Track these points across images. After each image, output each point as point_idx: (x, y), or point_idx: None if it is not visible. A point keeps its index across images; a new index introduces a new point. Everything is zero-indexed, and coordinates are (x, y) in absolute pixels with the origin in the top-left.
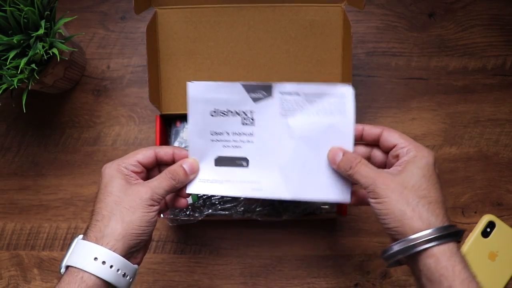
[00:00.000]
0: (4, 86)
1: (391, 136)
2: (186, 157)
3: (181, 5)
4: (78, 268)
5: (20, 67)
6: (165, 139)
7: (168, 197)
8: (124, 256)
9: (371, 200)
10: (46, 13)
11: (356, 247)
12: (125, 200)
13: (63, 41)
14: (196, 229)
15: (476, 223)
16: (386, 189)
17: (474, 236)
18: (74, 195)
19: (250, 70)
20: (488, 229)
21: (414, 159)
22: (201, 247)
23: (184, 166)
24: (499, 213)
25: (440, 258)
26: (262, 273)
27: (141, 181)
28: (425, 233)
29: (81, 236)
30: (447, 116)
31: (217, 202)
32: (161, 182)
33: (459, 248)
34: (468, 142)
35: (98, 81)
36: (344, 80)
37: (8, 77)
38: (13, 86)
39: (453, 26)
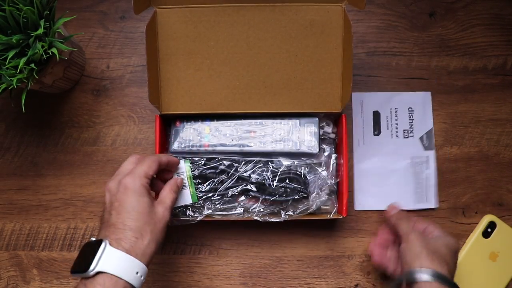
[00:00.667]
0: (3, 86)
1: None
2: (177, 162)
3: (180, 4)
4: (121, 278)
5: (19, 66)
6: (165, 139)
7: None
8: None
9: (402, 245)
10: (46, 12)
11: (356, 247)
12: (156, 223)
13: (62, 40)
14: (196, 229)
15: (477, 223)
16: (415, 239)
17: (475, 237)
18: (73, 195)
19: (250, 70)
20: (489, 230)
21: (445, 236)
22: (201, 248)
23: (179, 184)
24: (500, 213)
25: None
26: (262, 273)
27: (154, 197)
28: (426, 269)
29: (106, 242)
30: (447, 116)
31: (217, 202)
32: (172, 203)
33: None
34: (469, 142)
35: (97, 81)
36: (344, 80)
37: (7, 77)
38: (12, 86)
39: (453, 26)
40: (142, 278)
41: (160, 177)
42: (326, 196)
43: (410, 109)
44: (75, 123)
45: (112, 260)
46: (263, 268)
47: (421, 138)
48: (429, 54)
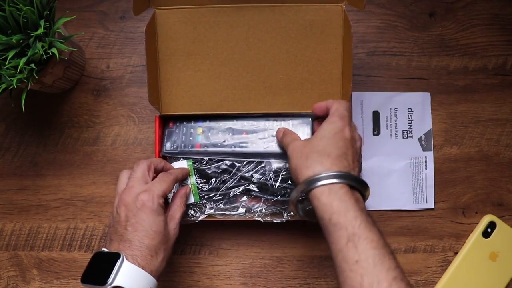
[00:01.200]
0: (3, 86)
1: (331, 104)
2: (187, 174)
3: (180, 5)
4: None
5: (19, 66)
6: (165, 140)
7: None
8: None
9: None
10: (46, 12)
11: None
12: (168, 241)
13: (62, 40)
14: (196, 229)
15: (477, 223)
16: (293, 151)
17: (475, 237)
18: (73, 195)
19: (249, 71)
20: (489, 230)
21: (324, 123)
22: (201, 247)
23: (186, 191)
24: (500, 213)
25: (320, 197)
26: (262, 273)
27: (164, 212)
28: (308, 178)
29: (123, 256)
30: (447, 116)
31: (219, 202)
32: (180, 218)
33: (349, 190)
34: (469, 142)
35: (97, 81)
36: (344, 80)
37: (7, 77)
38: (12, 86)
39: (453, 26)
40: None
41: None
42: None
43: (409, 110)
44: (75, 123)
45: (129, 275)
46: (263, 268)
47: (419, 139)
48: (429, 54)
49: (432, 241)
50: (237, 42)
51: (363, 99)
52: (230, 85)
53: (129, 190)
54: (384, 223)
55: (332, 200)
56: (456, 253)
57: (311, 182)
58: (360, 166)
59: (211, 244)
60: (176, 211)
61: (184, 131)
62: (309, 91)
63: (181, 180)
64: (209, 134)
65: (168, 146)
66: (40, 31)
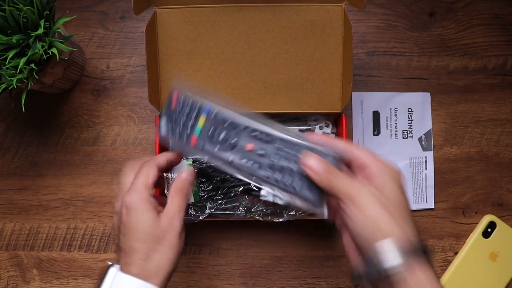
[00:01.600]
0: (3, 86)
1: (363, 154)
2: (177, 157)
3: (180, 5)
4: None
5: (19, 66)
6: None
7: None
8: None
9: (349, 209)
10: (46, 12)
11: None
12: (163, 238)
13: (62, 40)
14: (196, 229)
15: (477, 223)
16: (364, 196)
17: (475, 237)
18: (73, 195)
19: (250, 70)
20: (489, 230)
21: (387, 171)
22: (201, 248)
23: (186, 177)
24: (500, 213)
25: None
26: (262, 273)
27: (161, 208)
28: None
29: (116, 267)
30: (447, 116)
31: (219, 202)
32: (179, 206)
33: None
34: (469, 142)
35: (97, 81)
36: (344, 80)
37: (7, 77)
38: (12, 86)
39: (453, 26)
40: None
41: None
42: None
43: (409, 110)
44: (75, 123)
45: (121, 286)
46: (263, 268)
47: (419, 139)
48: (429, 54)
49: (432, 241)
50: (237, 41)
51: (363, 99)
52: (230, 84)
53: (116, 197)
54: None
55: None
56: (456, 253)
57: (410, 253)
58: None
59: (211, 244)
60: (170, 203)
61: (187, 111)
62: (309, 91)
63: (166, 164)
64: (211, 130)
65: (163, 130)
66: (40, 31)
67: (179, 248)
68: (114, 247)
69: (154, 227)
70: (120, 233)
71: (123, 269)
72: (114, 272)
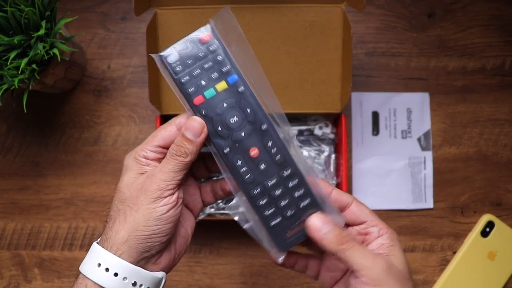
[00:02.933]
0: (5, 87)
1: (361, 211)
2: (198, 124)
3: (181, 5)
4: (83, 275)
5: (20, 67)
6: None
7: (207, 189)
8: (134, 263)
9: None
10: (47, 13)
11: None
12: (129, 197)
13: (63, 41)
14: (196, 228)
15: (476, 222)
16: (381, 273)
17: (473, 236)
18: (74, 195)
19: None
20: (488, 229)
21: (394, 243)
22: (201, 247)
23: (185, 133)
24: (498, 213)
25: None
26: (262, 272)
27: (153, 168)
28: None
29: (99, 239)
30: (446, 116)
31: (219, 201)
32: (166, 164)
33: None
34: (467, 142)
35: (98, 81)
36: (344, 80)
37: (9, 77)
38: (14, 86)
39: (452, 27)
40: (107, 270)
41: None
42: None
43: (408, 110)
44: (76, 123)
45: (87, 256)
46: (263, 267)
47: (418, 139)
48: (428, 55)
49: (431, 240)
50: None
51: (362, 99)
52: None
53: None
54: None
55: None
56: (454, 253)
57: None
58: None
59: (211, 244)
60: (157, 167)
61: (211, 60)
62: (309, 91)
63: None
64: (225, 103)
65: (173, 56)
66: (42, 31)
67: (148, 213)
68: None
69: (129, 186)
70: None
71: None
72: (94, 244)
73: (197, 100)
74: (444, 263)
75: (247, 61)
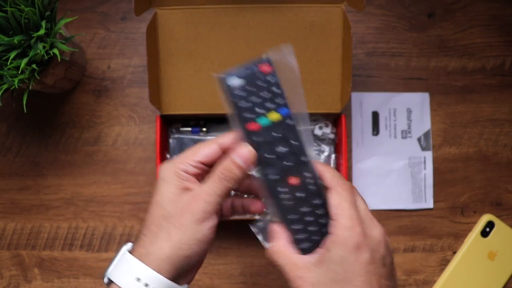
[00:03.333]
0: (5, 87)
1: (334, 193)
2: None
3: (181, 5)
4: (118, 286)
5: (20, 67)
6: (166, 140)
7: (228, 204)
8: (171, 278)
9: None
10: (47, 13)
11: None
12: (174, 215)
13: (63, 41)
14: None
15: (475, 223)
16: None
17: (473, 236)
18: (74, 195)
19: None
20: (488, 229)
21: (336, 234)
22: None
23: (236, 159)
24: (498, 213)
25: None
26: (262, 272)
27: (197, 187)
28: None
29: (130, 245)
30: (446, 116)
31: None
32: (212, 187)
33: None
34: (467, 142)
35: (98, 81)
36: (344, 80)
37: (9, 77)
38: (13, 86)
39: (452, 27)
40: (147, 286)
41: None
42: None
43: (408, 110)
44: (76, 123)
45: (119, 266)
46: (263, 267)
47: (418, 139)
48: (428, 55)
49: (431, 240)
50: (237, 42)
51: (363, 99)
52: None
53: None
54: (383, 223)
55: None
56: (454, 253)
57: None
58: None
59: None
60: (202, 186)
61: (267, 91)
62: (309, 91)
63: (230, 145)
64: (277, 133)
65: (236, 81)
66: (42, 31)
67: (192, 234)
68: None
69: (172, 203)
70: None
71: (133, 248)
72: (123, 251)
73: (251, 125)
74: (444, 263)
75: (296, 96)
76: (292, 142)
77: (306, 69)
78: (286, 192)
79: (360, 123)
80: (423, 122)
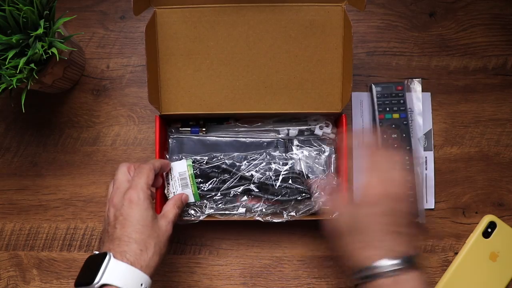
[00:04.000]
0: (3, 86)
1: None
2: (168, 164)
3: (180, 5)
4: None
5: (19, 66)
6: (165, 140)
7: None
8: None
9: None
10: (45, 12)
11: None
12: (159, 236)
13: (62, 40)
14: (196, 229)
15: (477, 223)
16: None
17: (475, 237)
18: (73, 195)
19: (250, 70)
20: (489, 230)
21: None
22: (201, 248)
23: (184, 200)
24: (500, 213)
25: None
26: (262, 273)
27: (159, 212)
28: (369, 267)
29: (111, 254)
30: (448, 116)
31: (219, 202)
32: (175, 218)
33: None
34: (469, 142)
35: (97, 81)
36: (344, 80)
37: (7, 77)
38: (12, 86)
39: (454, 26)
40: None
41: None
42: (327, 197)
43: (409, 110)
44: (75, 123)
45: (116, 272)
46: (263, 268)
47: (420, 139)
48: (429, 54)
49: (432, 241)
50: (237, 41)
51: (363, 99)
52: (230, 84)
53: (115, 192)
54: None
55: None
56: (456, 253)
57: (374, 274)
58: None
59: (211, 244)
60: (169, 212)
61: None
62: (309, 91)
63: (160, 168)
64: (392, 125)
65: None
66: (40, 31)
67: (166, 250)
68: (103, 234)
69: (153, 225)
70: (118, 223)
71: (117, 257)
72: (107, 260)
73: (381, 116)
74: (446, 264)
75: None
76: (403, 134)
77: (306, 69)
78: None
79: (360, 123)
80: (425, 122)
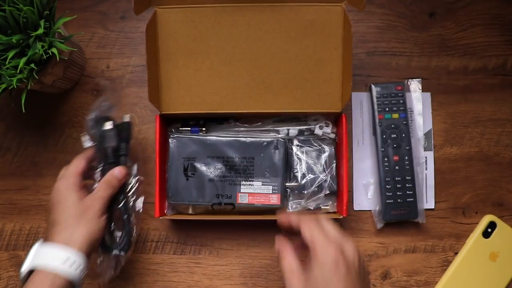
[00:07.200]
0: (3, 86)
1: (304, 229)
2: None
3: (181, 4)
4: (47, 269)
5: (19, 66)
6: (165, 139)
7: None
8: (87, 255)
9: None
10: (46, 12)
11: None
12: (84, 213)
13: (62, 40)
14: (196, 229)
15: (477, 223)
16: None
17: (475, 237)
18: None
19: (250, 70)
20: (489, 230)
21: (315, 258)
22: (201, 248)
23: (117, 175)
24: (500, 213)
25: None
26: (262, 273)
27: (86, 192)
28: None
29: (40, 240)
30: (447, 116)
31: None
32: (103, 193)
33: None
34: (468, 142)
35: (97, 81)
36: (344, 80)
37: (7, 77)
38: (12, 86)
39: (453, 26)
40: (77, 264)
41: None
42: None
43: (409, 110)
44: (75, 123)
45: (41, 254)
46: (263, 268)
47: (420, 139)
48: (429, 54)
49: (432, 241)
50: (237, 41)
51: (363, 99)
52: (230, 84)
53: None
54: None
55: None
56: (456, 253)
57: None
58: None
59: (211, 244)
60: (97, 188)
61: (396, 98)
62: (309, 91)
63: (92, 157)
64: (392, 125)
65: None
66: (40, 31)
67: (97, 224)
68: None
69: (77, 204)
70: (49, 211)
71: (46, 240)
72: (35, 247)
73: (380, 116)
74: (446, 264)
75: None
76: (402, 134)
77: (306, 69)
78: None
79: (360, 123)
80: (425, 122)
